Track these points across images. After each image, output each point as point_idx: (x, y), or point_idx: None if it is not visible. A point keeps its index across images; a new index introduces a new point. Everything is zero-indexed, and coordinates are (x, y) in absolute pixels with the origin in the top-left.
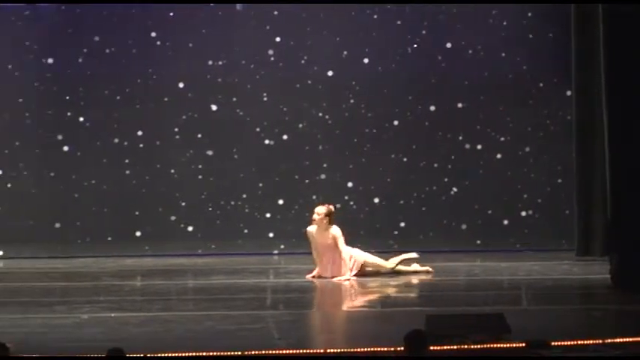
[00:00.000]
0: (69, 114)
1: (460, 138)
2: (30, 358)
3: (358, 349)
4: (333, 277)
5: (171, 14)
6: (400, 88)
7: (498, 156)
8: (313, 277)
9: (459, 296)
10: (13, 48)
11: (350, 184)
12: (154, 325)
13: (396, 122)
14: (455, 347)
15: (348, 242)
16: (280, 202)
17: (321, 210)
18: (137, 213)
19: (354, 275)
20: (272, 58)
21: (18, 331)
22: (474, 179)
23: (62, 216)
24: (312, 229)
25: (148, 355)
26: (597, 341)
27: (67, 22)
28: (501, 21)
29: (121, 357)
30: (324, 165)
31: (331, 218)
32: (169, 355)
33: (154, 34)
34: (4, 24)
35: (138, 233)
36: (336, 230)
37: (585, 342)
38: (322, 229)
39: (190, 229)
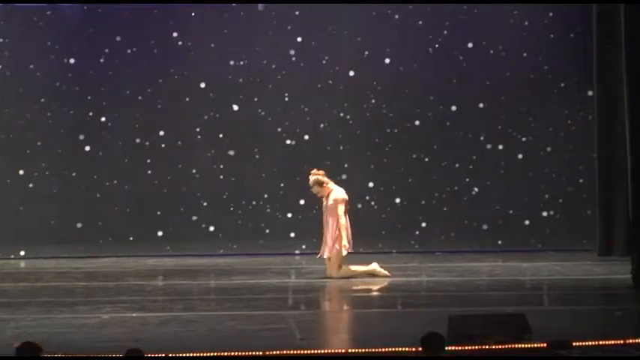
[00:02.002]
0: (90, 114)
1: (481, 138)
2: (52, 357)
3: (379, 349)
4: (321, 255)
5: (193, 14)
6: (421, 88)
7: (520, 156)
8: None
9: (481, 296)
10: (35, 48)
11: (371, 184)
12: (175, 325)
13: (417, 122)
14: (476, 347)
15: (371, 242)
16: (302, 202)
17: (314, 187)
18: (159, 213)
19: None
20: (293, 59)
21: (40, 331)
22: (495, 179)
23: (84, 216)
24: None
25: (170, 355)
26: (619, 341)
27: (88, 22)
28: (522, 21)
29: (140, 357)
30: (346, 165)
31: (325, 182)
32: (191, 355)
33: (175, 35)
34: (27, 24)
35: (159, 233)
36: (337, 194)
37: (607, 342)
38: (329, 194)
39: (212, 229)
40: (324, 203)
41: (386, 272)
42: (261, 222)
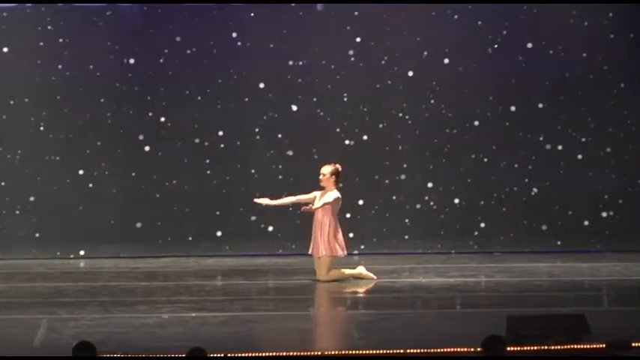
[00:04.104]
0: (150, 114)
1: (541, 138)
2: (112, 357)
3: (438, 350)
4: (310, 254)
5: (252, 15)
6: (480, 89)
7: (579, 156)
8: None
9: (540, 297)
10: (94, 48)
11: (430, 185)
12: (234, 325)
13: (476, 122)
14: (535, 348)
15: (429, 242)
16: (360, 202)
17: (326, 169)
18: (218, 213)
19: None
20: (352, 59)
21: (100, 331)
22: (554, 180)
23: (143, 216)
24: (318, 193)
25: (229, 355)
26: None
27: (148, 22)
28: (582, 21)
29: (203, 357)
30: (404, 165)
31: (337, 178)
32: (250, 355)
33: (234, 35)
34: (86, 24)
35: (218, 233)
36: (333, 194)
37: None
38: (327, 190)
39: (271, 229)
40: (319, 199)
41: (372, 275)
42: None
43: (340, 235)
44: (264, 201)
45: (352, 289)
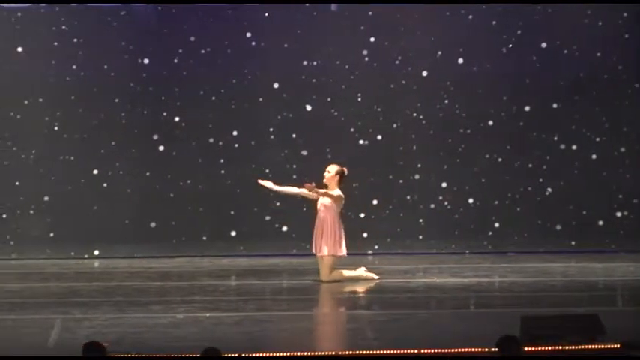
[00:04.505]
0: (164, 114)
1: (555, 138)
2: (126, 357)
3: (452, 350)
4: (314, 253)
5: (266, 15)
6: (494, 89)
7: (593, 156)
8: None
9: (554, 297)
10: (109, 48)
11: (444, 185)
12: (248, 325)
13: (490, 122)
14: (550, 348)
15: (443, 242)
16: (374, 202)
17: (332, 168)
18: (232, 213)
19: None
20: (366, 59)
21: (114, 331)
22: (568, 180)
23: (158, 215)
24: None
25: (243, 355)
26: None
27: (162, 22)
28: (596, 21)
29: (217, 357)
30: (419, 165)
31: (341, 179)
32: (264, 354)
33: (249, 35)
34: (101, 24)
35: (233, 233)
36: (339, 194)
37: None
38: (330, 189)
39: (285, 229)
40: (321, 201)
41: (374, 275)
42: None
43: (343, 235)
44: (268, 184)
45: (365, 289)
